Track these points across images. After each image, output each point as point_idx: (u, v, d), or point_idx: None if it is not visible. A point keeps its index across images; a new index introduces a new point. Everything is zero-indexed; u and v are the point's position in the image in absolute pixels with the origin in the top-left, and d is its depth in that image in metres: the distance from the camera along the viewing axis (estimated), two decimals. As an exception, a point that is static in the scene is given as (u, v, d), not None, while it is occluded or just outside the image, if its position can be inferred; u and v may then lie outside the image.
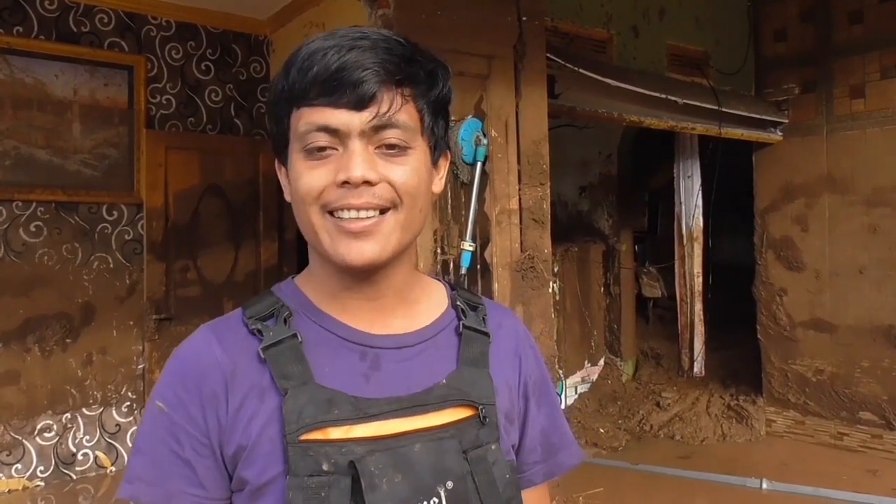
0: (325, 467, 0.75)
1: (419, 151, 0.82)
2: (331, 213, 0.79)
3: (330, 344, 0.83)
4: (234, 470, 0.79)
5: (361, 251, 0.79)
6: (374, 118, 0.77)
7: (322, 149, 0.78)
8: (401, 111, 0.79)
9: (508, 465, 0.85)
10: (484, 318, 0.93)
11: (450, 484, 0.78)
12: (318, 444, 0.76)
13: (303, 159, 0.80)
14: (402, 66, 0.79)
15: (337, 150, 0.78)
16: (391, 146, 0.79)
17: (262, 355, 0.80)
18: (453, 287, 0.97)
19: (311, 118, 0.78)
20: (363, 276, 0.84)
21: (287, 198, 0.86)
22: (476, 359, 0.88)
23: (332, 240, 0.79)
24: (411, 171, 0.80)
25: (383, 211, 0.79)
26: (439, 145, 0.87)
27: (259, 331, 0.82)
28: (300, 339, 0.81)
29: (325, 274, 0.86)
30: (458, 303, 0.93)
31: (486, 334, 0.91)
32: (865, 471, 4.30)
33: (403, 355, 0.85)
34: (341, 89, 0.77)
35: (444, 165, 0.91)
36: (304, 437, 0.76)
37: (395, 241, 0.81)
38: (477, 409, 0.84)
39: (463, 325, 0.90)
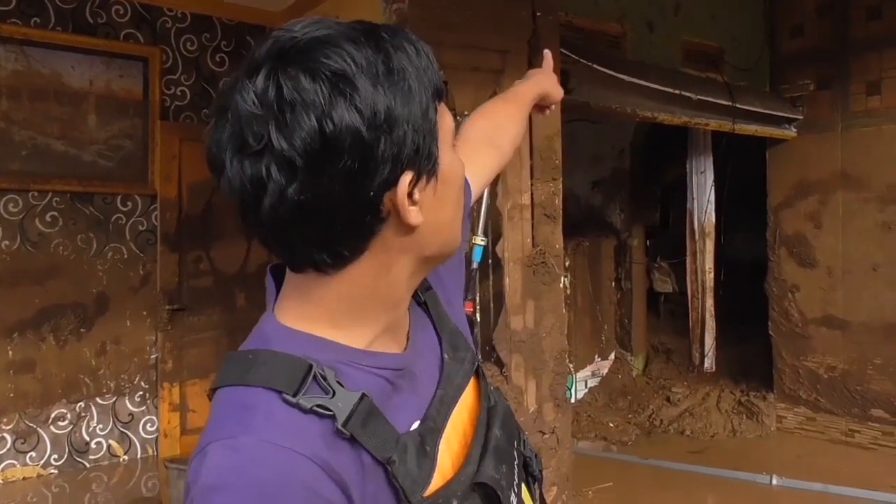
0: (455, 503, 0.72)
1: None
2: None
3: (379, 383, 0.72)
4: None
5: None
6: None
7: None
8: None
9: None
10: None
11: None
12: (439, 490, 0.71)
13: None
14: None
15: None
16: None
17: (346, 432, 0.65)
18: None
19: None
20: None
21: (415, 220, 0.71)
22: (444, 321, 0.87)
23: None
24: None
25: None
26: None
27: (322, 407, 0.65)
28: (368, 396, 0.68)
29: (363, 311, 0.74)
30: None
31: (429, 287, 0.88)
32: (877, 468, 4.28)
33: (417, 352, 0.80)
34: None
35: None
36: (427, 493, 0.70)
37: None
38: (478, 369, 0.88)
39: (419, 293, 0.85)
